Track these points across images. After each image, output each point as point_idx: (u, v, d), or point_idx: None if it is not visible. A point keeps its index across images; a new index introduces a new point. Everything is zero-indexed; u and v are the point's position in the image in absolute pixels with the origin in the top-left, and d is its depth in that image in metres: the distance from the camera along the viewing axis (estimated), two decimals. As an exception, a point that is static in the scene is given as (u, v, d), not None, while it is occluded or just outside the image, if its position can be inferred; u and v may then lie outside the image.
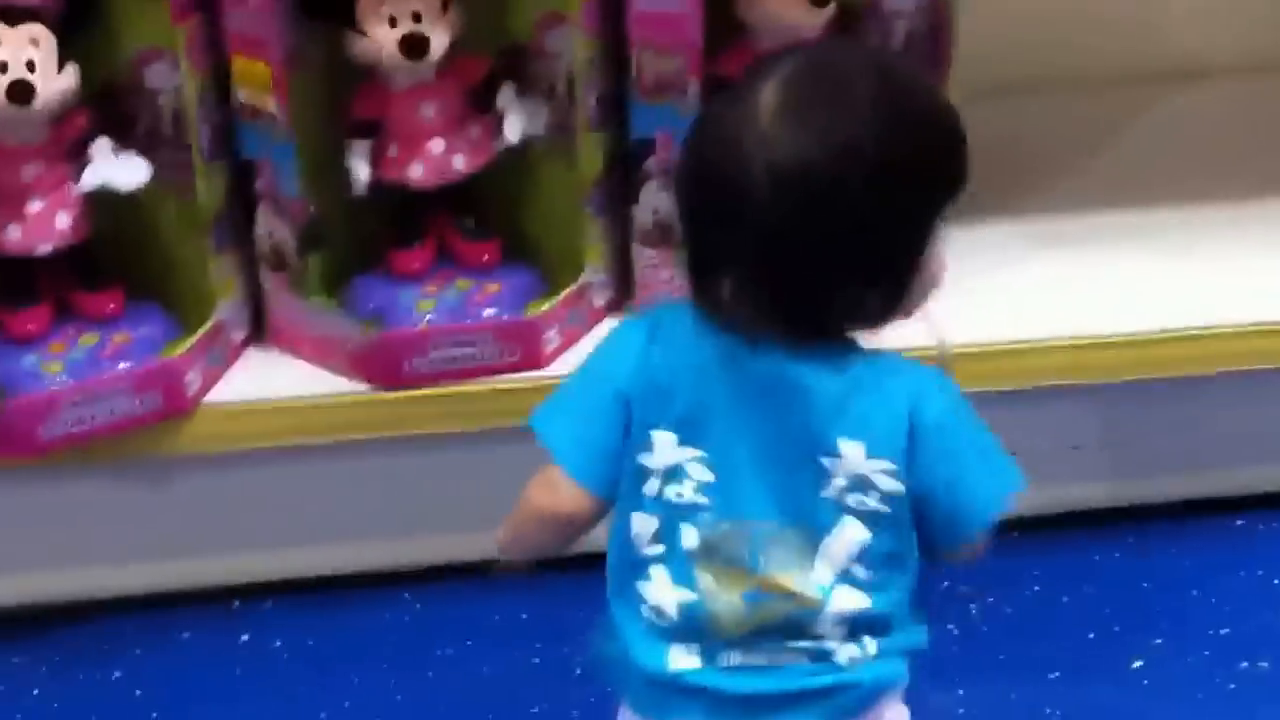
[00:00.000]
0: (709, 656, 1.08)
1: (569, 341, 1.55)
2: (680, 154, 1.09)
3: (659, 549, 1.08)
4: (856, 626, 1.07)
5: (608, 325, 1.56)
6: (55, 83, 1.39)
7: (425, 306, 1.52)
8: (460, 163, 1.53)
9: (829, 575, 1.06)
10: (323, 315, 1.52)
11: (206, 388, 1.51)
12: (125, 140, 1.46)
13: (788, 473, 1.06)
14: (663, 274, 1.54)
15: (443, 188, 1.54)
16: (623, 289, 1.59)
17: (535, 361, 1.52)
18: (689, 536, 1.07)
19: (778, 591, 1.06)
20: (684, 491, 1.07)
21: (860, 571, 1.06)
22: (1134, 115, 1.90)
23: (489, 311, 1.52)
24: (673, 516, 1.07)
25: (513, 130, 1.52)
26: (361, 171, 1.51)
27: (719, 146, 1.02)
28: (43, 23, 1.39)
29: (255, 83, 1.43)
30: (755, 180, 0.99)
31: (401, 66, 1.46)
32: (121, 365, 1.47)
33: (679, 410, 1.07)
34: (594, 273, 1.56)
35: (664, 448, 1.07)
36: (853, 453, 1.05)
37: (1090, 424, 1.60)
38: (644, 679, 1.09)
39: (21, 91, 1.36)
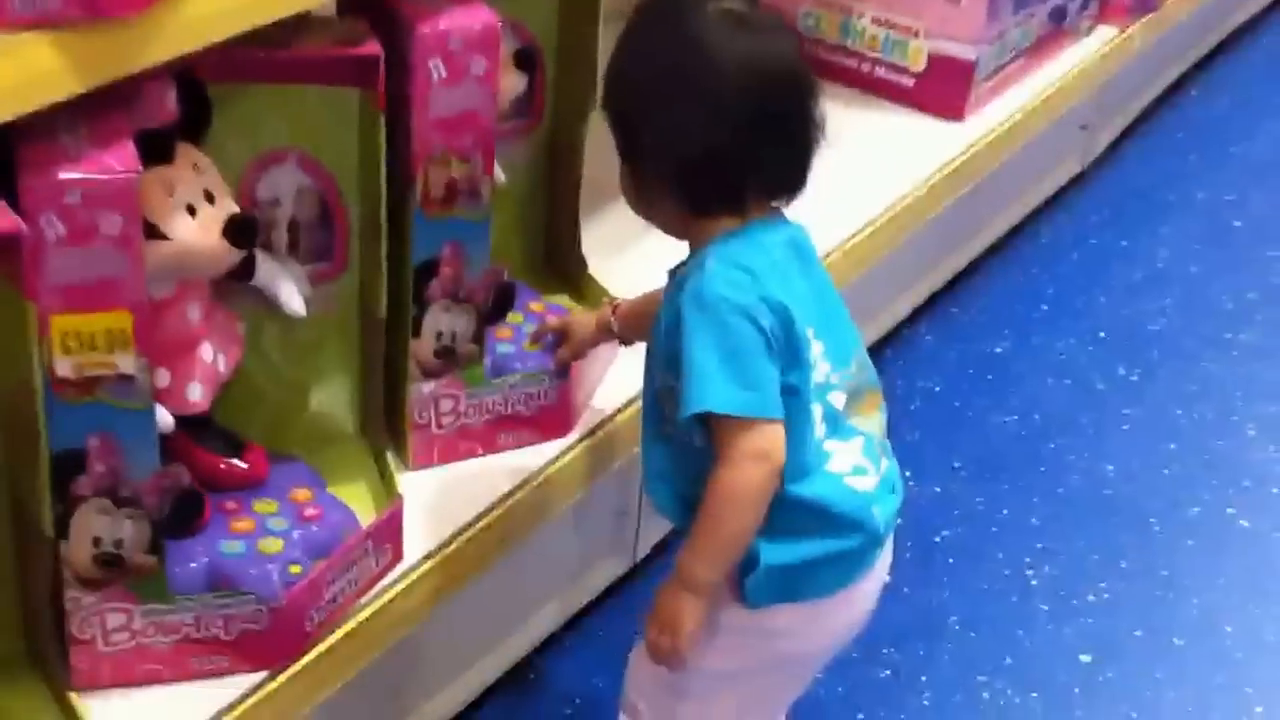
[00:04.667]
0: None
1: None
2: (714, 83, 1.23)
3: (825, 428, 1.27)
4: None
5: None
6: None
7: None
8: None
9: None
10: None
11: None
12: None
13: (834, 309, 1.29)
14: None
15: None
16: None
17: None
18: (837, 399, 1.27)
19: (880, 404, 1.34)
20: (821, 369, 1.26)
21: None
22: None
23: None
24: (823, 391, 1.27)
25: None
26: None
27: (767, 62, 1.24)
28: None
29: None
30: (802, 74, 1.27)
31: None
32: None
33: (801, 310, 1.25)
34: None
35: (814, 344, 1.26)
36: None
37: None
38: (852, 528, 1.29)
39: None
